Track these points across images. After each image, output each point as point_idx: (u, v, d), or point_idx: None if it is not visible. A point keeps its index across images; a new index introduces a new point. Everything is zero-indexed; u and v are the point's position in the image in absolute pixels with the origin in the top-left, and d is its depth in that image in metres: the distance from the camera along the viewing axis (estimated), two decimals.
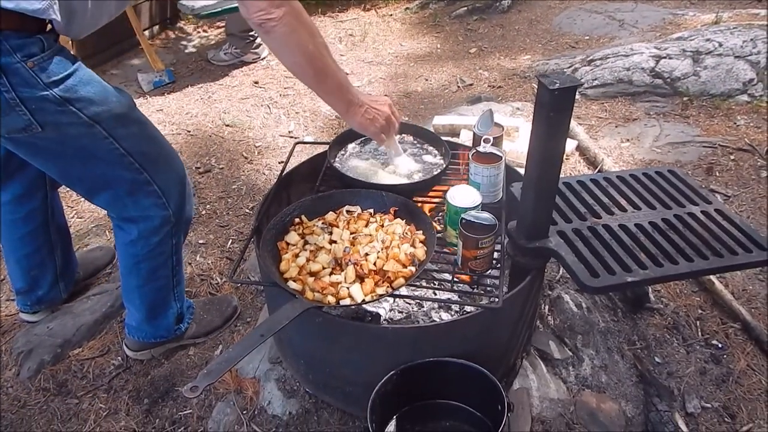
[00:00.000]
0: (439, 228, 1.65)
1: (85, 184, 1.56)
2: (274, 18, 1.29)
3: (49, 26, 1.32)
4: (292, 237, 1.55)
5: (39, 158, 1.48)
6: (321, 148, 1.93)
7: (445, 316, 1.68)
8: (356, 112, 1.58)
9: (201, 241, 2.47)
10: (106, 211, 1.70)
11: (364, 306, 1.59)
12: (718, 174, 2.73)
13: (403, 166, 1.78)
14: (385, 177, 1.75)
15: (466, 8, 4.96)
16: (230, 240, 2.49)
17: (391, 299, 1.67)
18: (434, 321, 1.66)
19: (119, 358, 1.94)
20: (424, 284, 1.62)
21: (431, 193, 1.78)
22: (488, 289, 1.72)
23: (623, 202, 1.62)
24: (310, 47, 1.39)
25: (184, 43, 4.56)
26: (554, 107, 1.21)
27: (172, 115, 3.52)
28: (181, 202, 1.65)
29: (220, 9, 3.72)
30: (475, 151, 1.64)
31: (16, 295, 2.02)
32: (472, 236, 1.43)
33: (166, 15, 4.63)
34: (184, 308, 1.90)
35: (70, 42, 3.57)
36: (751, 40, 3.51)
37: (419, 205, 1.68)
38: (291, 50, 1.39)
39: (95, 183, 1.54)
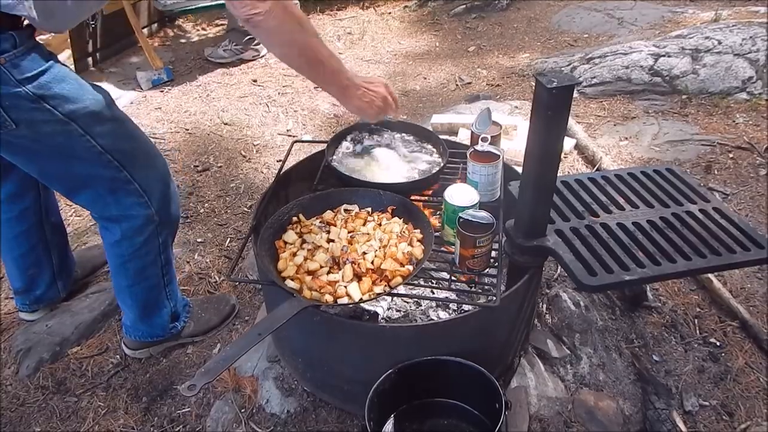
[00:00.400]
0: (437, 226, 1.65)
1: (63, 182, 1.55)
2: (261, 12, 1.31)
3: (25, 22, 1.31)
4: (290, 236, 1.55)
5: (17, 156, 1.47)
6: (319, 147, 1.93)
7: (443, 315, 1.68)
8: (353, 95, 1.60)
9: (199, 240, 2.47)
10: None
11: (361, 305, 1.59)
12: (716, 172, 2.73)
13: (386, 160, 1.79)
14: (382, 176, 1.75)
15: (464, 6, 4.95)
16: (228, 239, 2.49)
17: (388, 298, 1.67)
18: (432, 320, 1.66)
19: (118, 356, 1.94)
20: (421, 283, 1.62)
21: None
22: (486, 287, 1.72)
23: (621, 200, 1.62)
24: (300, 37, 1.41)
25: (183, 41, 4.56)
26: (552, 106, 1.22)
27: (171, 113, 3.51)
28: (165, 201, 1.64)
29: (193, 6, 3.69)
30: (473, 149, 1.64)
31: (15, 295, 2.02)
32: (469, 235, 1.43)
33: (164, 13, 4.62)
34: (179, 306, 1.90)
35: (69, 39, 3.57)
36: (751, 37, 3.50)
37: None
38: (281, 42, 1.41)
39: (74, 181, 1.53)
